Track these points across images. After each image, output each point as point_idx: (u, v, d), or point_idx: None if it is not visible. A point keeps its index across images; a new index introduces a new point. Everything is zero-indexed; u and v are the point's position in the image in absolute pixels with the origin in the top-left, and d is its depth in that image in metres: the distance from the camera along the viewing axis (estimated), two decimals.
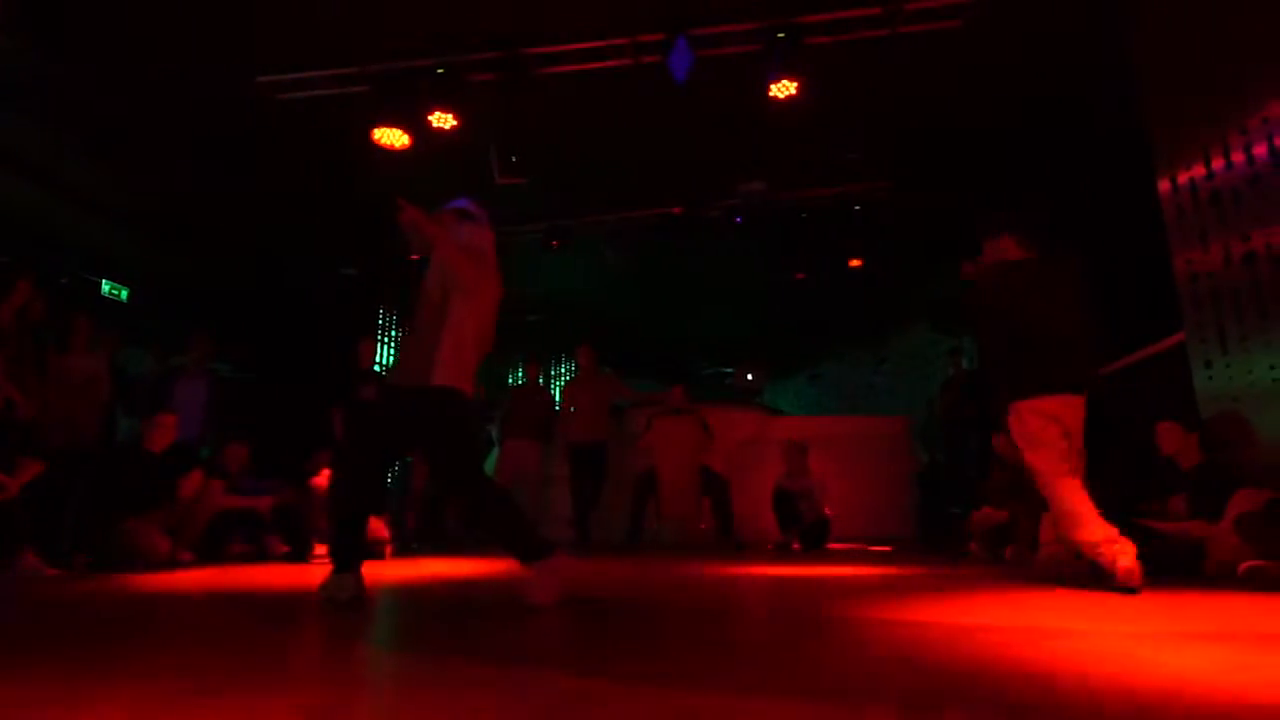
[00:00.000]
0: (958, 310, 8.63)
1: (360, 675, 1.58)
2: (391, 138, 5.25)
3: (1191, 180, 4.22)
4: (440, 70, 5.00)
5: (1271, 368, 3.65)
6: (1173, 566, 3.50)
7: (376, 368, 8.68)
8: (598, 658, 1.71)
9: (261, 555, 4.87)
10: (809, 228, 7.87)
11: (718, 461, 6.60)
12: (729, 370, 8.28)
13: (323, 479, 4.60)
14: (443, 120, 5.04)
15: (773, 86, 4.87)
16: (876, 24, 4.84)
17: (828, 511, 6.16)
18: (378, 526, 4.95)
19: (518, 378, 11.93)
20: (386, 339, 9.35)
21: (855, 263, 7.89)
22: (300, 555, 4.72)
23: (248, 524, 4.88)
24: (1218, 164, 4.03)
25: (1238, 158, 3.91)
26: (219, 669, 1.54)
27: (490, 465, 7.48)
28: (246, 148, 6.27)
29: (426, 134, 5.29)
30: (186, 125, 5.94)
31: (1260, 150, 3.76)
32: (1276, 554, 3.05)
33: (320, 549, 4.48)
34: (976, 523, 4.92)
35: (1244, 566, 3.06)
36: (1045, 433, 3.04)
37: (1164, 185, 4.42)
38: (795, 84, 4.82)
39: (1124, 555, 2.66)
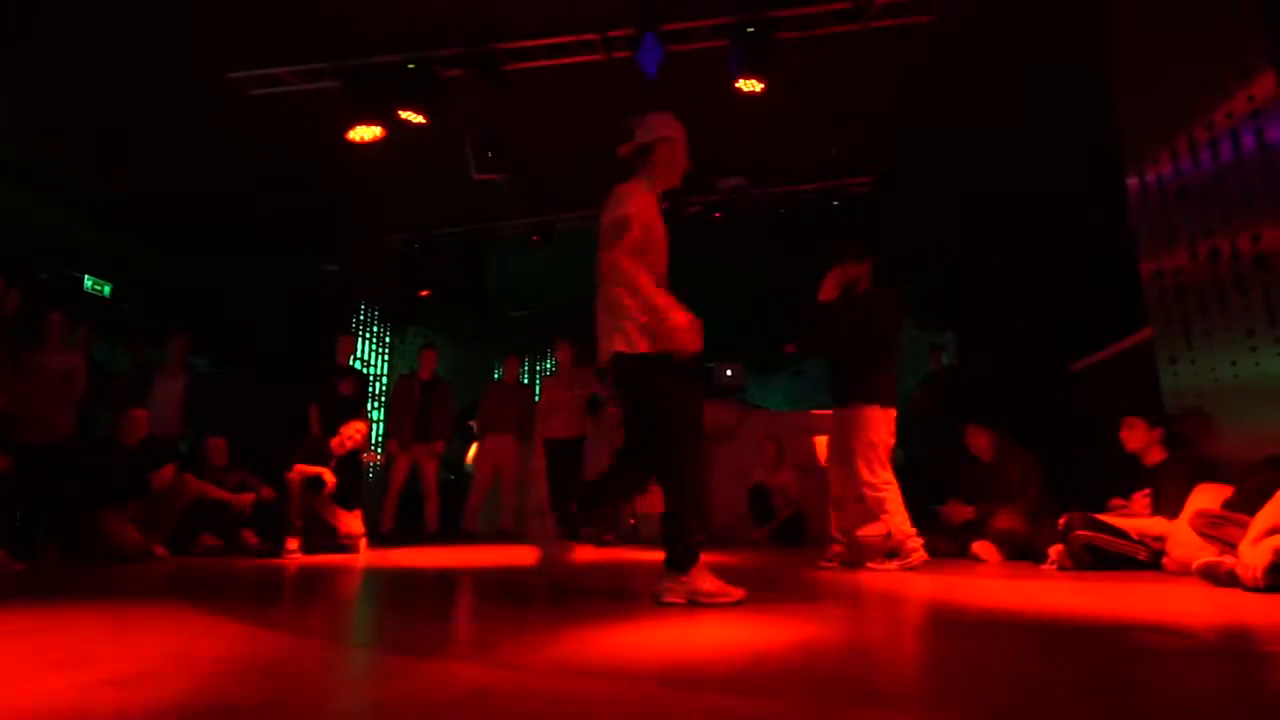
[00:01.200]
0: (939, 306, 8.68)
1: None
2: (364, 133, 5.24)
3: (1159, 177, 4.22)
4: (411, 66, 4.98)
5: (1233, 363, 3.66)
6: (1136, 563, 3.53)
7: (356, 363, 8.70)
8: None
9: (234, 549, 4.89)
10: (789, 223, 7.88)
11: None
12: (710, 365, 8.28)
13: (296, 475, 4.61)
14: (412, 116, 5.03)
15: (742, 82, 4.86)
16: (846, 19, 4.83)
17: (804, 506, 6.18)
18: (354, 521, 4.96)
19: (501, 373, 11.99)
20: (366, 334, 9.35)
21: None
22: (273, 550, 4.73)
23: (221, 519, 4.89)
24: (1184, 161, 4.03)
25: (1204, 155, 3.91)
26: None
27: (470, 459, 7.52)
28: (224, 143, 6.26)
29: (399, 129, 5.28)
30: (165, 121, 5.93)
31: (1225, 147, 3.76)
32: (1229, 550, 3.06)
33: (292, 544, 4.49)
34: (945, 516, 4.93)
35: (1197, 563, 3.07)
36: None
37: (1132, 182, 4.42)
38: (761, 82, 4.81)
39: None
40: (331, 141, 5.53)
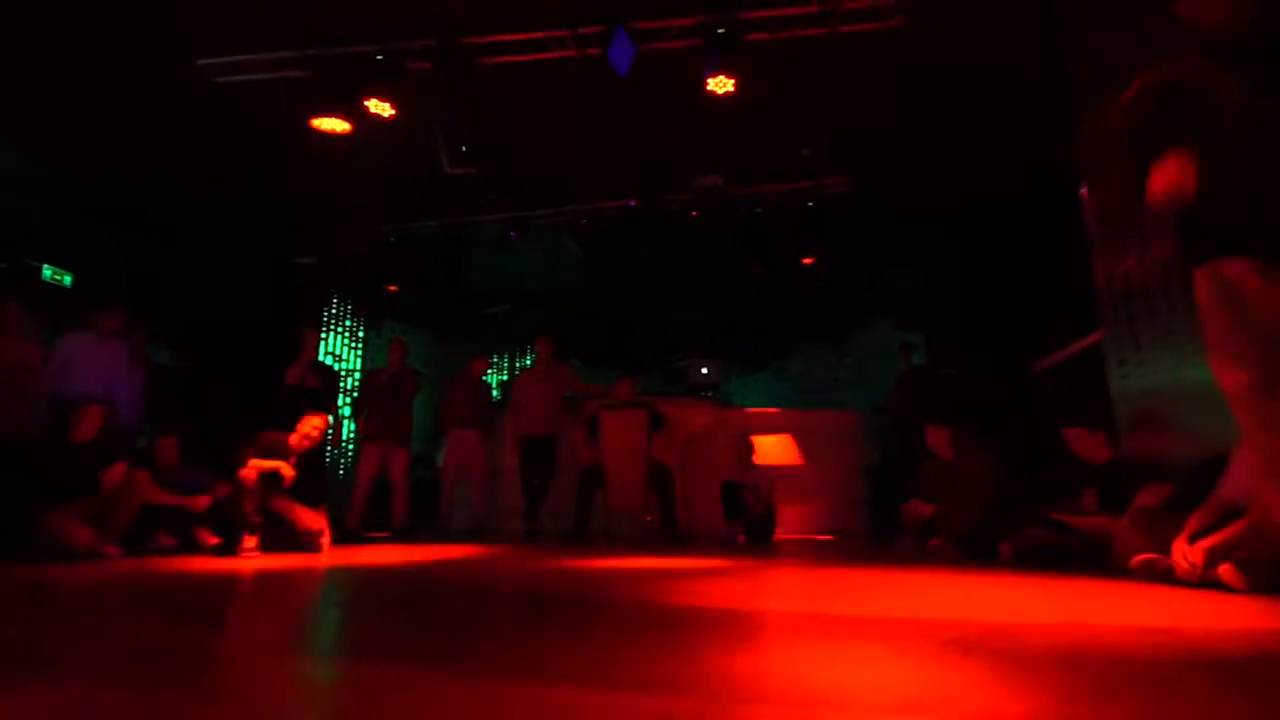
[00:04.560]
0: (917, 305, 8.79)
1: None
2: (331, 124, 5.21)
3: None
4: (379, 57, 4.96)
5: (1178, 368, 3.75)
6: (1084, 560, 3.61)
7: (328, 358, 8.64)
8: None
9: (190, 548, 4.83)
10: (766, 223, 7.93)
11: (669, 454, 6.64)
12: (684, 362, 8.34)
13: (251, 471, 4.57)
14: (380, 108, 5.01)
15: (710, 81, 4.90)
16: (815, 22, 4.87)
17: (776, 504, 6.24)
18: (314, 518, 4.93)
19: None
20: (339, 329, 9.29)
21: (807, 260, 7.97)
22: (230, 548, 4.69)
23: (176, 517, 4.83)
24: None
25: None
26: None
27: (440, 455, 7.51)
28: (194, 132, 6.20)
29: (368, 121, 5.26)
30: (130, 110, 5.86)
31: None
32: (1168, 548, 3.14)
33: (249, 541, 4.45)
34: (906, 514, 5.02)
35: (1135, 560, 3.15)
36: None
37: (1084, 189, 4.51)
38: (732, 80, 4.85)
39: None
40: (304, 134, 5.51)
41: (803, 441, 7.60)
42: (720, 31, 4.84)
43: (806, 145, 7.02)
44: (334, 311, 9.07)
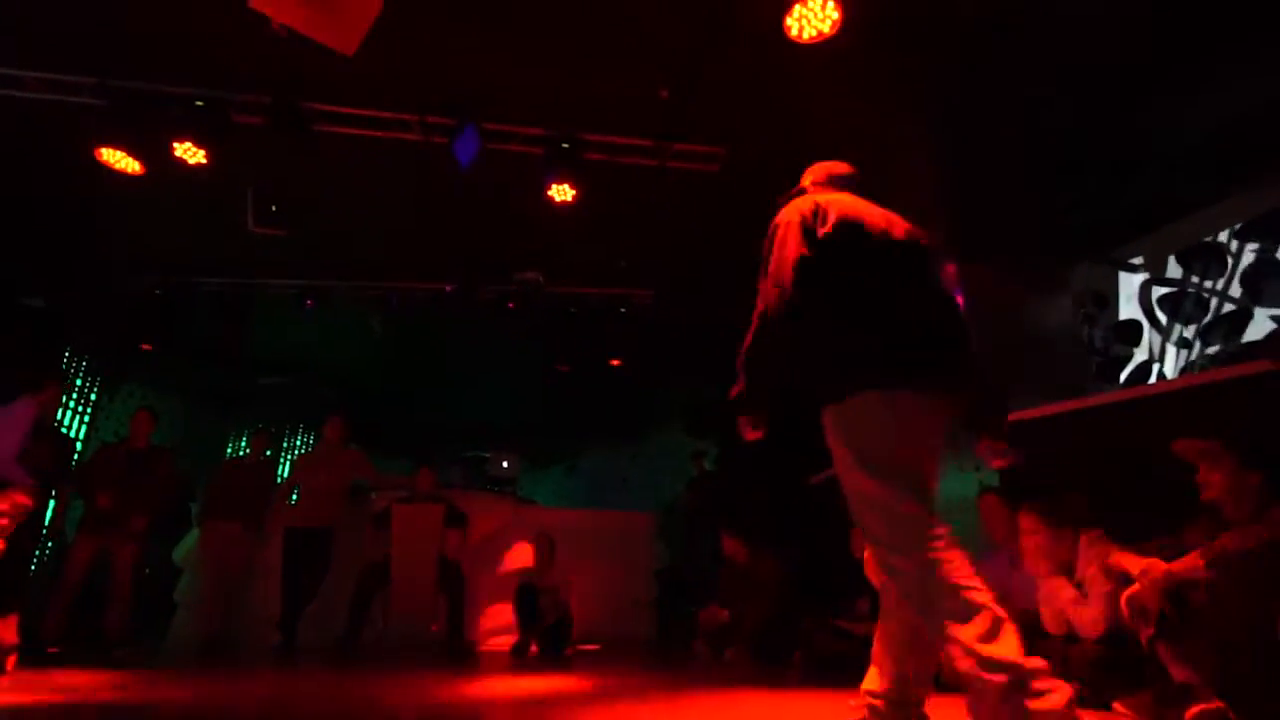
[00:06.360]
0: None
1: None
2: (121, 161, 4.56)
3: None
4: (199, 103, 4.50)
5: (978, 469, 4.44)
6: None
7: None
8: None
9: None
10: (577, 323, 8.19)
11: (463, 553, 6.26)
12: (486, 455, 8.10)
13: None
14: (192, 154, 4.50)
15: (553, 189, 5.13)
16: (648, 154, 5.38)
17: (573, 609, 6.09)
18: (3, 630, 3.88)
19: (239, 448, 10.51)
20: (73, 387, 7.73)
21: (615, 362, 8.33)
22: None
23: None
24: None
25: None
26: None
27: (183, 551, 6.40)
28: None
29: (168, 163, 4.67)
30: None
31: None
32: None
33: None
34: (703, 621, 5.20)
35: None
36: None
37: None
38: (574, 191, 5.13)
39: None
40: (73, 160, 4.73)
41: (597, 542, 7.62)
42: (564, 146, 5.13)
43: (624, 256, 7.48)
44: (63, 367, 7.52)
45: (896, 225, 2.24)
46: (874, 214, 2.24)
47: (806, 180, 2.52)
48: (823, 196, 2.28)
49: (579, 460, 13.42)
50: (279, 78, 4.42)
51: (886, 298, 2.11)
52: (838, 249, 2.13)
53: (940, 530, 1.91)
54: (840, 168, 2.50)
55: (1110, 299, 6.73)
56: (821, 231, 2.15)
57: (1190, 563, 2.38)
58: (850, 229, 2.16)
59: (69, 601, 5.19)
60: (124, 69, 4.38)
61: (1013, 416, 3.93)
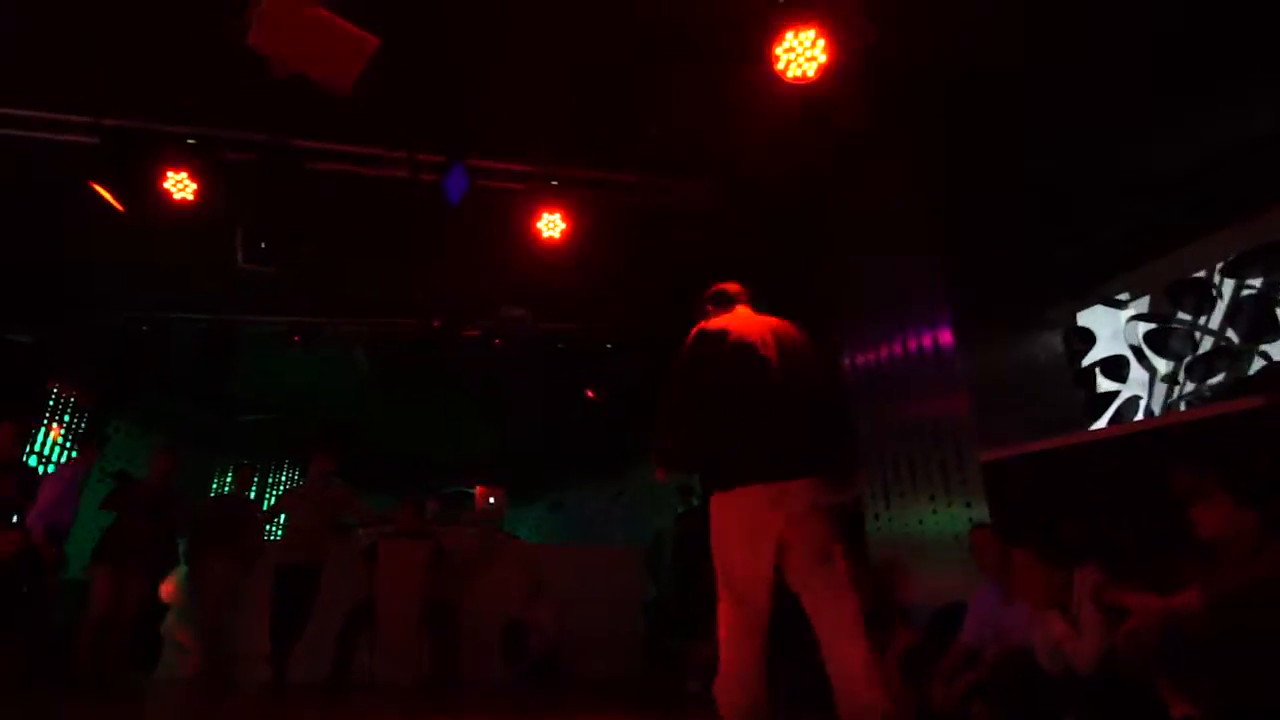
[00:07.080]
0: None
1: None
2: (111, 197, 4.58)
3: (864, 362, 5.22)
4: (191, 141, 4.55)
5: (920, 521, 4.49)
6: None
7: (33, 459, 7.06)
8: None
9: None
10: (564, 358, 8.21)
11: (449, 590, 6.17)
12: (470, 491, 8.03)
13: None
14: (183, 188, 4.53)
15: (543, 222, 5.21)
16: (633, 191, 5.49)
17: (560, 644, 6.01)
18: None
19: (225, 483, 10.36)
20: (56, 422, 7.61)
21: (590, 394, 8.39)
22: None
23: None
24: (884, 353, 5.07)
25: (897, 349, 4.96)
26: None
27: (171, 586, 6.27)
28: None
29: (159, 200, 4.69)
30: None
31: (912, 345, 4.83)
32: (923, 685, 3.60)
33: None
34: (691, 656, 5.13)
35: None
36: None
37: (845, 363, 5.39)
38: (565, 225, 5.21)
39: None
40: (62, 196, 4.75)
41: (584, 576, 7.52)
42: (554, 183, 5.23)
43: (612, 292, 7.52)
44: (51, 404, 7.40)
45: (759, 337, 2.43)
46: (743, 330, 2.45)
47: (706, 301, 2.81)
48: (711, 318, 2.60)
49: (564, 496, 13.33)
50: (272, 115, 4.48)
51: (730, 405, 2.35)
52: (698, 364, 2.43)
53: None
54: (730, 287, 2.78)
55: (1096, 335, 6.86)
56: (695, 351, 2.45)
57: (1188, 600, 2.37)
58: (711, 344, 2.44)
59: (97, 631, 5.18)
60: (116, 107, 4.43)
61: (1004, 453, 4.02)
